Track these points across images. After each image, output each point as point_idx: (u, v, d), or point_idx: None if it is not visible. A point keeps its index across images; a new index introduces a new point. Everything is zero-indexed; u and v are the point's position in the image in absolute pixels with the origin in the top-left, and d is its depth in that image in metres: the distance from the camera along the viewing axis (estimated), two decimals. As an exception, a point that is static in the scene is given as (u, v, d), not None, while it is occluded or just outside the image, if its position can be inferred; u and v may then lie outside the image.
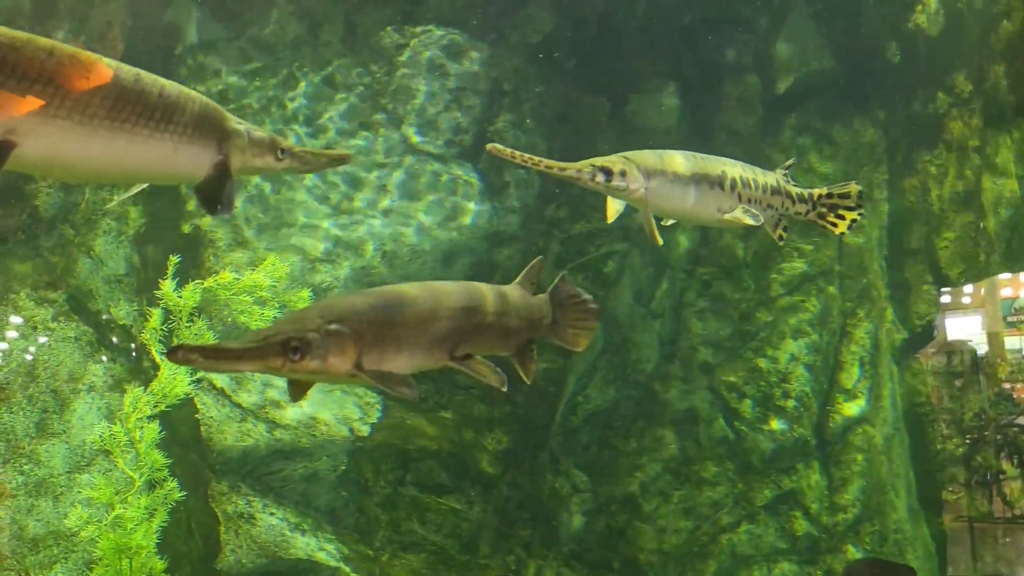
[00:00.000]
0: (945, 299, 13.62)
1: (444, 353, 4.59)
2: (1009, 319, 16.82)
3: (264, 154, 4.61)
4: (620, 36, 11.12)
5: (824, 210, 7.04)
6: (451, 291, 4.80)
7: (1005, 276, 15.29)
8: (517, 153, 5.67)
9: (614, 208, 6.48)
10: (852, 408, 12.14)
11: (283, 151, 4.72)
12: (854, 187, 7.12)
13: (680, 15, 11.39)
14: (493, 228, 10.46)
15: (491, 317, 4.86)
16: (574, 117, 11.10)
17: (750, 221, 6.53)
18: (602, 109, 11.31)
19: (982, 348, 16.03)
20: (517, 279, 5.31)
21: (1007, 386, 14.83)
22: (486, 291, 5.05)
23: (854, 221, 7.12)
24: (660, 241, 6.36)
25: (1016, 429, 14.06)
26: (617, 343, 11.39)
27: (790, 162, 7.23)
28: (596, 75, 11.21)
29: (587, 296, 5.53)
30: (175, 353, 3.50)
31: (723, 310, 11.88)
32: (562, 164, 5.94)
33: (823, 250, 12.30)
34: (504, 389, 4.98)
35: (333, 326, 3.93)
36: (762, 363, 11.84)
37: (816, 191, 7.10)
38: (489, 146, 5.71)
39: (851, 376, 12.25)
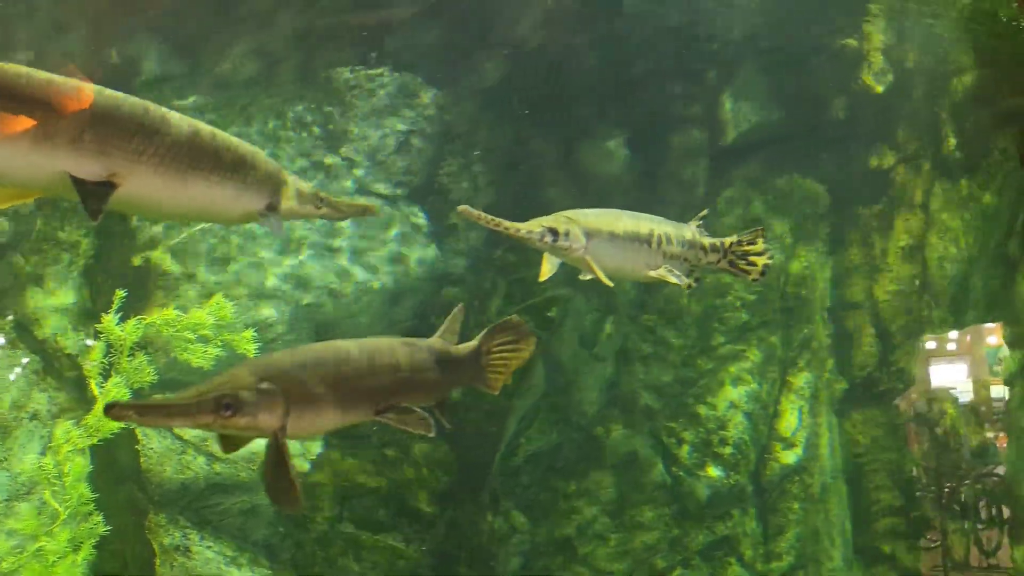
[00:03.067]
0: (930, 345, 13.84)
1: (370, 409, 4.81)
2: (994, 368, 17.08)
3: (307, 203, 5.23)
4: (571, 85, 11.35)
5: (735, 258, 7.28)
6: (378, 349, 5.03)
7: (990, 325, 15.52)
8: (484, 215, 5.91)
9: (549, 266, 6.70)
10: (789, 456, 12.36)
11: (321, 200, 5.37)
12: (760, 232, 7.38)
13: (630, 66, 11.64)
14: (440, 270, 10.63)
15: (414, 373, 5.09)
16: (524, 163, 11.31)
17: (674, 280, 6.76)
18: (552, 156, 11.52)
19: (966, 396, 16.26)
20: (439, 331, 5.53)
21: (989, 435, 15.08)
22: (410, 347, 5.29)
23: (766, 266, 7.36)
24: (611, 283, 6.57)
25: (996, 479, 14.44)
26: (560, 386, 11.56)
27: (703, 213, 7.46)
28: (547, 122, 11.43)
29: (523, 335, 5.75)
30: (110, 410, 3.69)
31: (665, 356, 12.09)
32: (517, 225, 6.17)
33: (767, 300, 12.54)
34: (431, 435, 5.16)
35: (264, 384, 4.11)
36: (702, 410, 12.04)
37: (727, 240, 7.32)
38: (460, 208, 5.95)
39: (789, 425, 12.47)
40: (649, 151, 12.02)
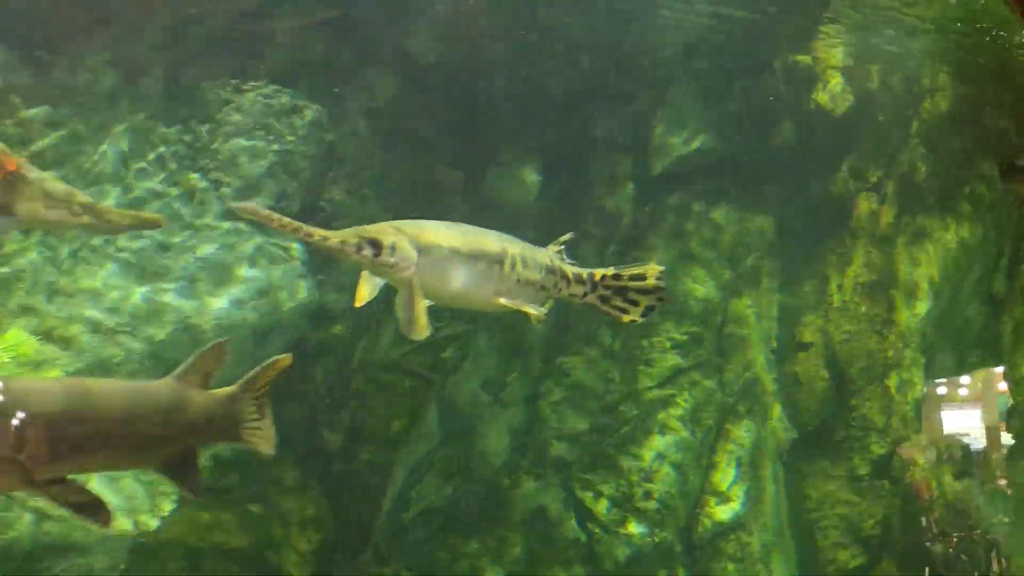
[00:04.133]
0: (941, 391, 12.67)
1: (16, 477, 3.67)
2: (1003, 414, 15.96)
3: (58, 207, 4.48)
4: (478, 105, 10.34)
5: (608, 293, 6.08)
6: (37, 392, 3.79)
7: (1000, 369, 14.35)
8: (276, 216, 4.80)
9: (367, 289, 5.34)
10: (724, 512, 11.24)
11: (81, 206, 4.58)
12: (653, 268, 6.15)
13: (547, 87, 10.61)
14: (316, 305, 9.62)
15: (107, 425, 3.90)
16: (424, 190, 10.29)
17: (530, 310, 5.62)
18: (456, 182, 10.50)
19: (978, 443, 15.20)
20: (178, 370, 4.38)
21: (1002, 482, 13.91)
22: (104, 389, 4.22)
23: (650, 307, 6.17)
24: (424, 331, 5.35)
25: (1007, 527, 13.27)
26: (458, 433, 10.50)
27: (567, 237, 6.24)
28: (450, 145, 10.42)
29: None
30: None
31: (583, 402, 11.00)
32: (324, 232, 5.02)
33: (702, 341, 11.45)
34: (106, 527, 4.13)
35: None
36: (624, 460, 10.95)
37: (599, 272, 6.14)
38: (238, 204, 4.88)
39: (726, 477, 11.35)
40: (567, 179, 10.96)
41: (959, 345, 12.87)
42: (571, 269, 5.99)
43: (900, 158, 12.22)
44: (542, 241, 10.27)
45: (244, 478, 9.32)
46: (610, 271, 6.03)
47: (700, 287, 11.47)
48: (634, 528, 10.71)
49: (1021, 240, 13.17)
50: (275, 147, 9.48)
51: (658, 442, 10.98)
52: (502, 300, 5.46)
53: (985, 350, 12.95)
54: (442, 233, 5.39)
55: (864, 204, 12.10)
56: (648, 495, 10.84)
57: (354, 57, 9.83)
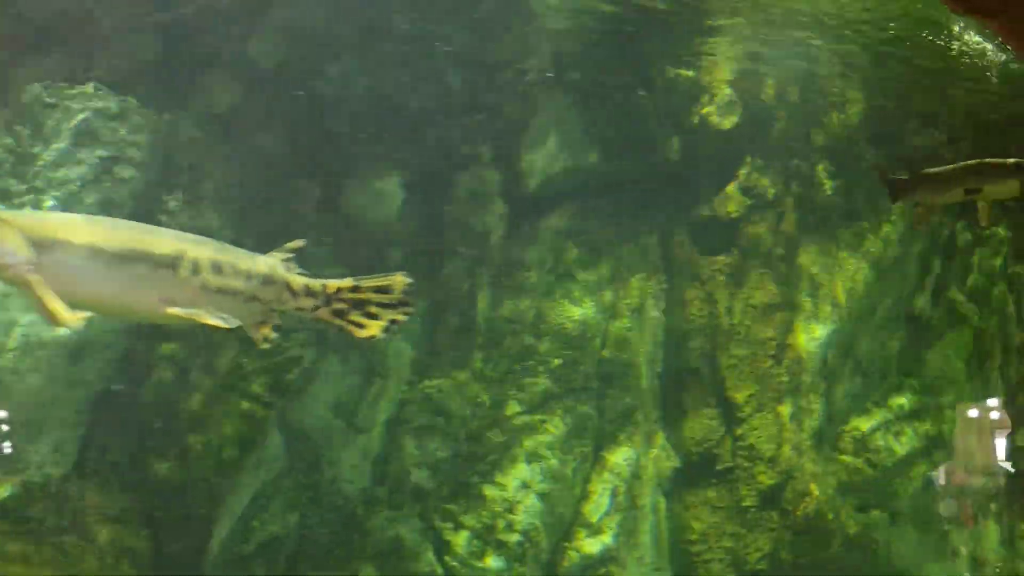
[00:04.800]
0: (994, 416, 12.24)
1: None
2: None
3: None
4: (334, 115, 9.80)
5: (344, 306, 5.49)
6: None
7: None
8: None
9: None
10: (593, 545, 10.66)
11: None
12: (399, 279, 5.58)
13: (408, 97, 10.07)
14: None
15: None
16: (276, 202, 9.74)
17: (215, 322, 4.99)
18: (310, 195, 9.95)
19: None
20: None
21: None
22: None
23: (393, 322, 5.59)
24: (73, 322, 4.66)
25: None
26: (308, 460, 9.91)
27: (296, 244, 5.65)
28: (304, 156, 9.87)
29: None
30: None
31: (447, 428, 10.42)
32: None
33: (577, 365, 10.91)
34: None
35: None
36: (488, 490, 10.37)
37: (333, 283, 5.55)
38: None
39: (598, 508, 10.78)
40: (432, 195, 10.42)
41: (873, 370, 12.32)
42: (299, 280, 5.40)
43: (802, 174, 11.72)
44: (406, 260, 9.81)
45: (60, 507, 8.72)
46: (348, 282, 5.48)
47: (578, 309, 10.93)
48: (492, 562, 10.14)
49: (950, 259, 12.70)
50: (100, 153, 8.92)
51: (524, 471, 10.41)
52: (174, 310, 4.84)
53: (906, 376, 12.42)
54: (79, 228, 4.70)
55: (757, 222, 11.58)
56: (510, 527, 10.27)
57: (191, 61, 9.25)
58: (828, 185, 11.71)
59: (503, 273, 10.66)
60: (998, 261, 12.87)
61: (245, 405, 9.36)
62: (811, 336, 11.51)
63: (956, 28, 10.07)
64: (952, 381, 12.47)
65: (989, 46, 10.52)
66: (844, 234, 11.79)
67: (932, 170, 7.45)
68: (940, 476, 11.21)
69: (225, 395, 9.33)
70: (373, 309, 5.48)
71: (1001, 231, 12.77)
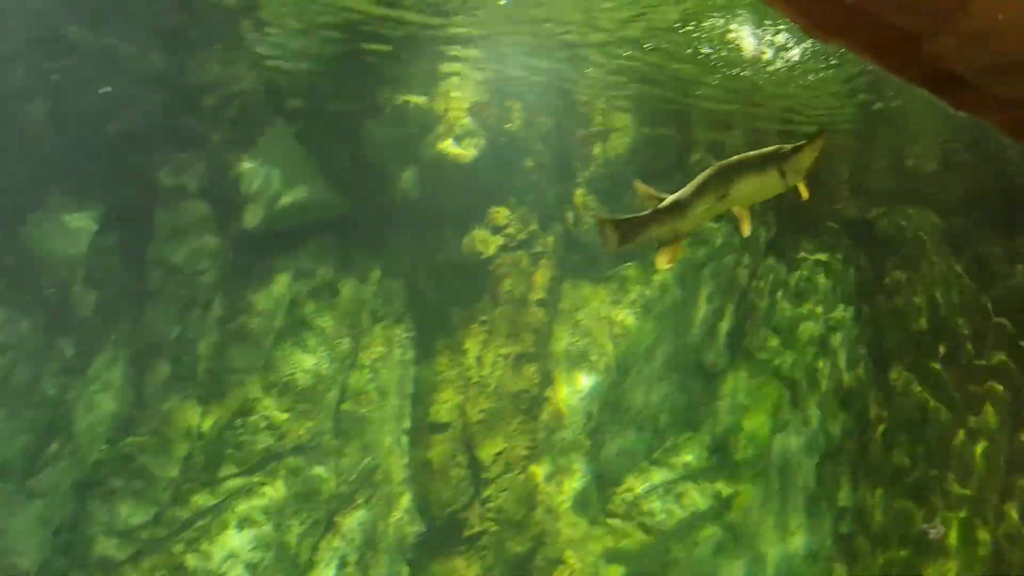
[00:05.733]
0: None
1: None
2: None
3: None
4: (11, 139, 8.86)
5: None
6: None
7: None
8: None
9: None
10: (318, 620, 9.66)
11: None
12: None
13: (101, 123, 9.17)
14: None
15: None
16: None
17: None
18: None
19: None
20: None
21: None
22: None
23: None
24: None
25: None
26: (-28, 527, 8.86)
27: None
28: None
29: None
30: None
31: (146, 491, 9.40)
32: None
33: (307, 419, 9.95)
34: None
35: None
36: (191, 560, 9.34)
37: None
38: None
39: (323, 579, 9.79)
40: (129, 230, 9.49)
41: (651, 426, 11.37)
42: None
43: (560, 210, 10.93)
44: (100, 302, 8.80)
45: None
46: None
47: (310, 358, 9.99)
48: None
49: (746, 304, 11.87)
50: None
51: (232, 539, 9.39)
52: None
53: (694, 431, 11.53)
54: None
55: (510, 264, 10.73)
56: (209, 601, 9.24)
57: None
58: (592, 222, 10.91)
59: (227, 318, 9.72)
60: (810, 306, 12.01)
61: None
62: (573, 388, 10.63)
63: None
64: (752, 437, 11.59)
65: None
66: (613, 276, 10.96)
67: (665, 203, 6.30)
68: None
69: None
70: None
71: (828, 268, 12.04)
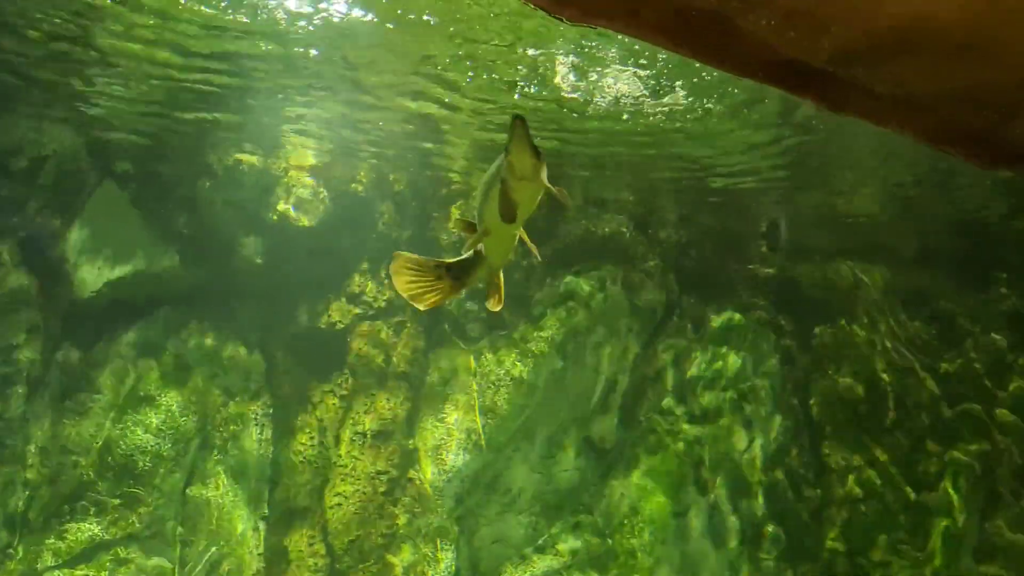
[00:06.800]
0: None
1: None
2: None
3: None
4: None
5: None
6: None
7: None
8: None
9: None
10: None
11: None
12: None
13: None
14: None
15: None
16: None
17: None
18: None
19: None
20: None
21: None
22: None
23: None
24: None
25: None
26: None
27: None
28: None
29: None
30: None
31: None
32: None
33: (143, 503, 9.27)
34: None
35: None
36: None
37: None
38: None
39: None
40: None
41: (534, 509, 10.30)
42: None
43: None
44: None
45: None
46: None
47: (150, 437, 9.34)
48: None
49: (641, 372, 10.75)
50: None
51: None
52: None
53: (586, 514, 10.39)
54: None
55: (367, 334, 9.90)
56: None
57: None
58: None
59: (65, 395, 9.16)
60: (721, 372, 10.80)
61: None
62: (440, 468, 9.71)
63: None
64: (650, 520, 10.37)
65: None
66: (487, 343, 10.03)
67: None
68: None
69: None
70: None
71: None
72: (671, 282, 10.68)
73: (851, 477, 10.56)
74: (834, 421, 10.71)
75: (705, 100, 7.84)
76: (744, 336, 10.72)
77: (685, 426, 10.48)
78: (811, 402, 10.79)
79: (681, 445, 10.45)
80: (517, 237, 4.65)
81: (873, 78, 2.26)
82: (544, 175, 4.10)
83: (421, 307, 4.95)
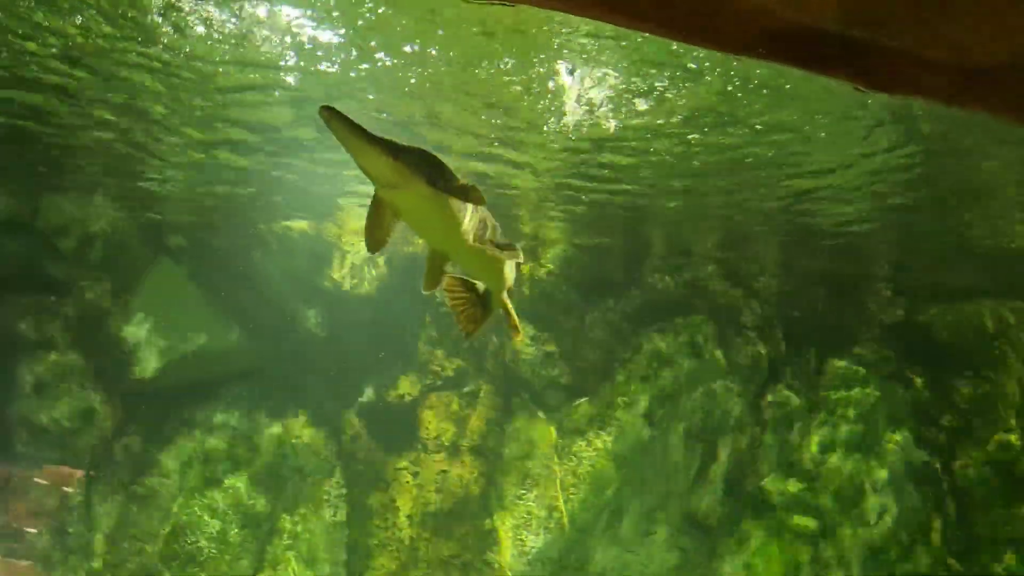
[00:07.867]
0: None
1: None
2: None
3: None
4: None
5: None
6: None
7: None
8: None
9: None
10: None
11: None
12: None
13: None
14: None
15: None
16: None
17: None
18: None
19: None
20: None
21: None
22: None
23: None
24: None
25: None
26: None
27: None
28: None
29: None
30: None
31: None
32: None
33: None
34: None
35: None
36: None
37: None
38: None
39: None
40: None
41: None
42: None
43: (492, 340, 9.36)
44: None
45: None
46: None
47: (216, 522, 9.08)
48: None
49: (745, 440, 9.72)
50: None
51: None
52: None
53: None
54: None
55: (438, 406, 9.27)
56: None
57: None
58: (531, 352, 9.29)
59: (130, 479, 9.04)
60: (843, 436, 9.54)
61: None
62: (520, 550, 8.95)
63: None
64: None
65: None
66: (568, 412, 9.24)
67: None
68: None
69: None
70: None
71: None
72: (776, 334, 9.51)
73: (1009, 553, 9.02)
74: (986, 487, 9.18)
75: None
76: (868, 391, 9.39)
77: (801, 495, 9.26)
78: (956, 464, 9.30)
79: (798, 519, 9.21)
80: (493, 256, 3.61)
81: (919, 43, 1.90)
82: (420, 175, 3.18)
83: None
